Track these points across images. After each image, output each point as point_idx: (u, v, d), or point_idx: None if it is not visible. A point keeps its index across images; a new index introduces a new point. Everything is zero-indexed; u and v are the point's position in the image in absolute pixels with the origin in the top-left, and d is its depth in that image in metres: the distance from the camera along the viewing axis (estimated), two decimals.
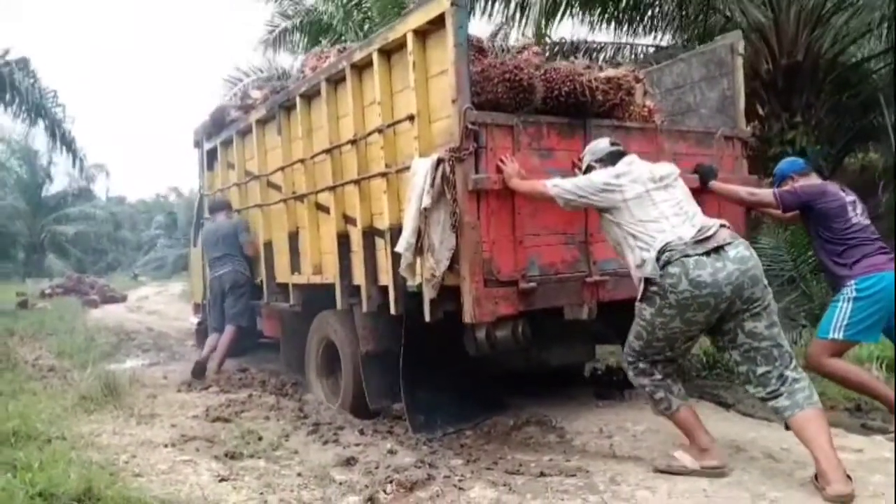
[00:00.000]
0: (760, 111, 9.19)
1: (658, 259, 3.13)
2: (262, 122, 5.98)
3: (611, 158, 3.53)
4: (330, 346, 5.12)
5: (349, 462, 3.73)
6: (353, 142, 4.49)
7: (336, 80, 4.73)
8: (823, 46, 8.40)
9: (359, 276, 4.58)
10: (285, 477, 3.51)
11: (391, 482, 3.29)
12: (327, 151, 4.79)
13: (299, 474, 3.54)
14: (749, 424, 4.17)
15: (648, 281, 3.16)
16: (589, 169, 3.62)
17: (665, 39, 11.06)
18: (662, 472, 3.33)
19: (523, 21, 9.58)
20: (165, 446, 4.06)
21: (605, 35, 10.49)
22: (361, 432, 4.35)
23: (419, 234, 3.74)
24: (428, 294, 3.82)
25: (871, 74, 10.04)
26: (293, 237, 5.55)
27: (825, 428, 3.02)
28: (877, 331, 3.87)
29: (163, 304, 17.07)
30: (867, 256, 3.79)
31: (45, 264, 32.23)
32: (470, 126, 3.62)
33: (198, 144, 7.70)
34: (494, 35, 9.92)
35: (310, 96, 5.12)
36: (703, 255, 3.08)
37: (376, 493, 3.17)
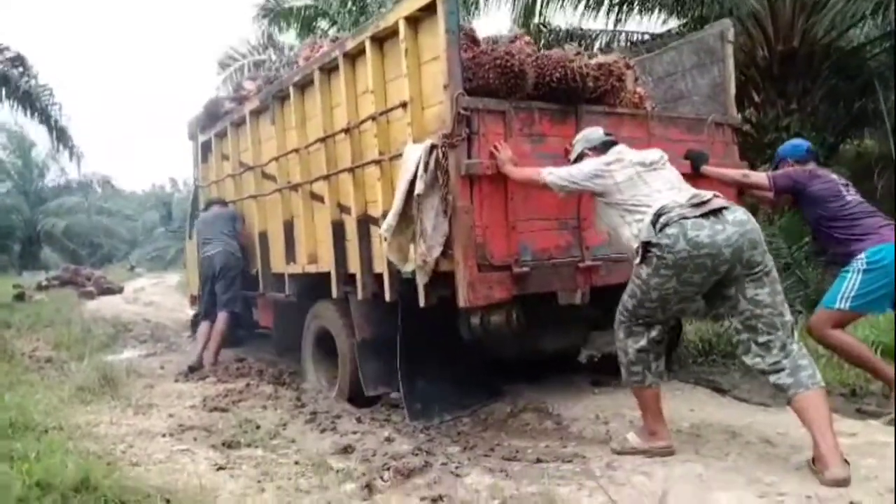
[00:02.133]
0: (756, 98, 9.19)
1: (655, 223, 3.14)
2: (256, 113, 5.96)
3: (604, 147, 3.58)
4: (326, 334, 5.12)
5: (346, 450, 3.74)
6: (347, 130, 4.49)
7: (329, 69, 4.73)
8: (819, 32, 8.38)
9: (354, 265, 4.58)
10: (283, 465, 3.51)
11: (388, 469, 3.30)
12: (321, 140, 4.78)
13: (297, 462, 3.54)
14: (745, 410, 4.18)
15: (647, 244, 3.15)
16: (581, 156, 3.65)
17: (659, 26, 11.04)
18: (618, 453, 3.43)
19: (514, 9, 9.55)
20: (163, 436, 4.06)
21: (598, 23, 10.46)
22: (359, 420, 4.36)
23: (406, 219, 3.76)
24: (421, 279, 3.85)
25: (867, 60, 10.01)
26: (288, 227, 5.55)
27: (826, 410, 3.02)
28: (885, 303, 3.88)
29: (159, 296, 17.05)
30: (874, 228, 3.82)
31: (42, 257, 32.21)
32: (462, 112, 3.64)
33: (192, 136, 7.68)
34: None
35: (303, 86, 5.11)
36: (700, 217, 3.08)
37: (374, 481, 3.17)
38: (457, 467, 3.38)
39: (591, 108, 4.20)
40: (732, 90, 5.19)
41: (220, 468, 3.46)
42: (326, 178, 4.78)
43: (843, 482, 2.84)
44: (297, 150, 5.17)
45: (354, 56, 4.44)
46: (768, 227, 7.83)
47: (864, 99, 10.47)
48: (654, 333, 3.35)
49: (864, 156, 12.32)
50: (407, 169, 3.76)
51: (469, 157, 3.69)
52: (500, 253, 3.78)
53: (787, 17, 8.66)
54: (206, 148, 7.38)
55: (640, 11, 10.14)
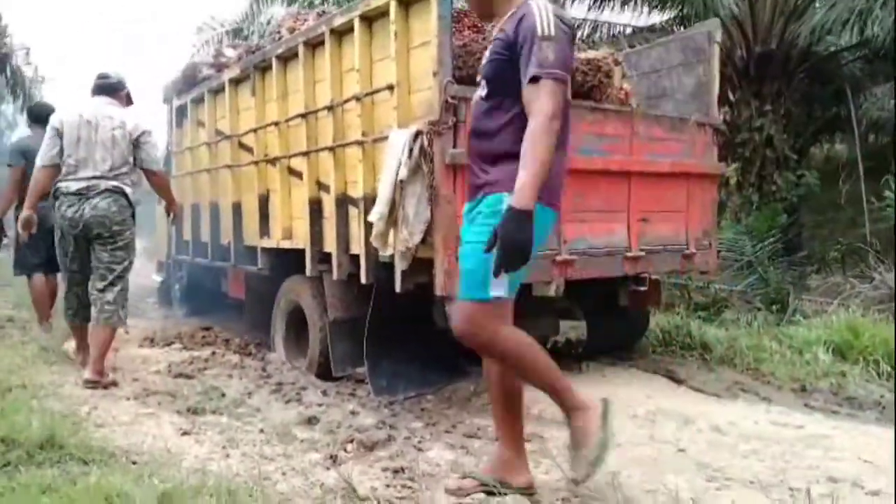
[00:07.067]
0: (732, 97, 9.36)
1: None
2: (236, 82, 5.91)
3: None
4: (297, 310, 5.14)
5: (311, 421, 3.79)
6: (330, 108, 4.48)
7: (314, 44, 4.70)
8: (798, 36, 8.55)
9: (330, 244, 4.58)
10: (248, 433, 3.56)
11: (352, 441, 3.37)
12: (302, 116, 4.76)
13: (261, 431, 3.59)
14: (699, 399, 4.33)
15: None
16: None
17: (642, 20, 11.14)
18: None
19: None
20: (128, 399, 4.08)
21: (582, 11, 10.51)
22: (324, 393, 4.41)
23: (393, 205, 3.77)
24: (400, 265, 3.87)
25: (842, 66, 10.23)
26: (263, 200, 5.52)
27: (106, 339, 4.44)
28: None
29: None
30: None
31: None
32: (450, 100, 3.63)
33: (167, 100, 7.58)
34: None
35: (286, 59, 5.07)
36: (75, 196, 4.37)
37: (337, 452, 3.24)
38: (419, 442, 3.46)
39: (578, 103, 4.17)
40: (716, 91, 5.23)
41: (185, 433, 3.49)
42: (306, 154, 4.76)
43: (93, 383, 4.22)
44: (276, 124, 5.14)
45: (342, 33, 4.42)
46: (735, 227, 8.06)
47: (837, 105, 10.73)
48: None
49: (833, 160, 12.62)
50: (393, 155, 3.75)
51: (454, 145, 3.68)
52: None
53: (766, 19, 8.83)
54: (180, 113, 7.29)
55: (623, 4, 10.22)
